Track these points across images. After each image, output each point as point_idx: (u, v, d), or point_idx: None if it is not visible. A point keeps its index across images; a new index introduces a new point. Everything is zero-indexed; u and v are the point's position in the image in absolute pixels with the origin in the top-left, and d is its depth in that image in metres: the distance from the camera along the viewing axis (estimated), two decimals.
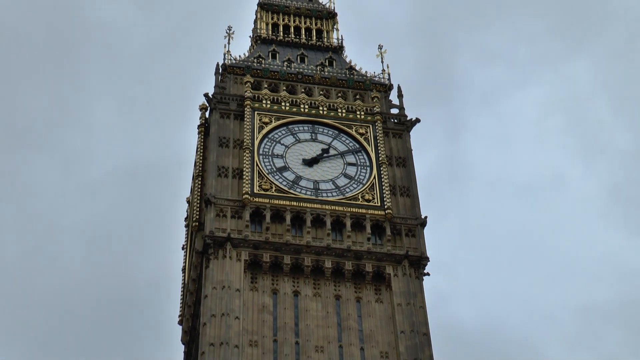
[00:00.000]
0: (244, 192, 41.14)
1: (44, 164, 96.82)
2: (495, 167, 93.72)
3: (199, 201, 43.85)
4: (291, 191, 42.24)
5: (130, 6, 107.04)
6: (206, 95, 46.78)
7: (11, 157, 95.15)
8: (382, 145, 45.34)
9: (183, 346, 45.92)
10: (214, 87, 47.74)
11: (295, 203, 41.58)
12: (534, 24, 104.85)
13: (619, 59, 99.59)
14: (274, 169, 43.37)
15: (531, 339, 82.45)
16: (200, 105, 47.84)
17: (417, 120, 47.56)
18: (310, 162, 44.35)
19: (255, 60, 50.13)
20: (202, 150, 46.11)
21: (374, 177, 43.77)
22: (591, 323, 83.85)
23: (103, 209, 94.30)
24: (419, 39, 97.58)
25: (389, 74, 51.19)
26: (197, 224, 42.88)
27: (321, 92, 48.48)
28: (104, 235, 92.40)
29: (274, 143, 45.00)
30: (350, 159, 45.11)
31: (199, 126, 47.37)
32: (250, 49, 53.55)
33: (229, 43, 51.24)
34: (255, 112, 45.59)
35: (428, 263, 41.08)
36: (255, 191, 41.48)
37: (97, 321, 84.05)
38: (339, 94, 48.53)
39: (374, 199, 42.72)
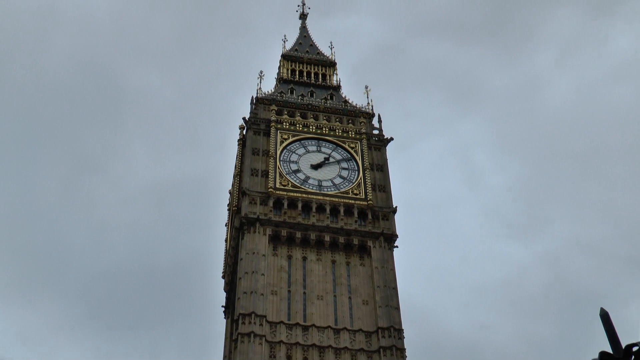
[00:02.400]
0: (269, 186, 43.73)
1: (98, 181, 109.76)
2: (408, 191, 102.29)
3: (237, 192, 46.22)
4: (302, 187, 44.54)
5: (158, 72, 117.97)
6: (244, 118, 49.44)
7: (76, 178, 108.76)
8: (366, 156, 47.82)
9: (225, 293, 49.01)
10: (250, 113, 50.11)
11: (305, 195, 43.89)
12: (437, 93, 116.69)
13: (495, 121, 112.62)
14: (290, 171, 45.52)
15: (433, 306, 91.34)
16: (239, 125, 50.18)
17: (391, 139, 50.07)
18: (316, 167, 46.41)
19: (278, 95, 52.83)
20: (240, 157, 48.61)
21: (360, 178, 45.92)
22: (479, 297, 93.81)
23: (141, 213, 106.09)
24: (353, 94, 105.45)
25: (372, 106, 53.69)
26: (235, 208, 45.07)
27: (324, 118, 51.00)
28: (142, 232, 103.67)
29: (291, 153, 47.25)
30: (344, 165, 47.19)
31: (238, 140, 49.73)
32: (275, 87, 56.31)
33: (260, 82, 53.49)
34: (278, 131, 48.03)
35: (397, 239, 43.38)
36: (277, 186, 43.92)
37: (158, 282, 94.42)
38: (337, 119, 51.32)
39: (360, 193, 44.97)
